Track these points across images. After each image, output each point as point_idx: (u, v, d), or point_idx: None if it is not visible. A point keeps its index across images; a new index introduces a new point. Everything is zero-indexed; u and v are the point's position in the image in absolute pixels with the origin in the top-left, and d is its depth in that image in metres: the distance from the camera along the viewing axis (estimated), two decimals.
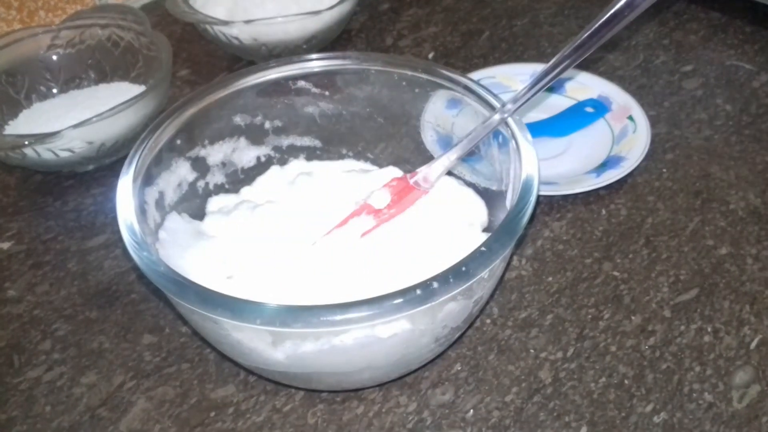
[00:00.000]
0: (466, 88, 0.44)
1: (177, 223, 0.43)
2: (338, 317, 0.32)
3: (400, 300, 0.32)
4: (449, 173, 0.45)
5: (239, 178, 0.49)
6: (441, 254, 0.38)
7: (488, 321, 0.45)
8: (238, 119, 0.48)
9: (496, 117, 0.41)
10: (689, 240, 0.49)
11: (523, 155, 0.39)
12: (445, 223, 0.43)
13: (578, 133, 0.57)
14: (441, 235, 0.42)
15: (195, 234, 0.44)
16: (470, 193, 0.45)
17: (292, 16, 0.63)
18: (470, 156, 0.45)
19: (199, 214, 0.46)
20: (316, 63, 0.47)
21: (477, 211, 0.44)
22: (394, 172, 0.47)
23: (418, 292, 0.32)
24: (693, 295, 0.46)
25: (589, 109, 0.59)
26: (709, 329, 0.44)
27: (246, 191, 0.48)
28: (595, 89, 0.60)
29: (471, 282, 0.33)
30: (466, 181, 0.47)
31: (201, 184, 0.47)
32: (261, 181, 0.49)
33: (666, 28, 0.69)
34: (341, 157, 0.51)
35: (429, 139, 0.49)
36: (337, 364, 0.36)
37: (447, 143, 0.49)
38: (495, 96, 0.43)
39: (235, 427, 0.40)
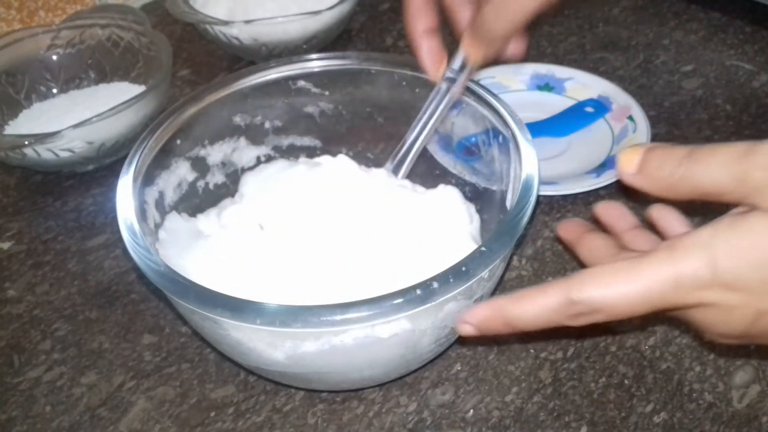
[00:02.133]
0: (466, 88, 0.44)
1: (177, 222, 0.43)
2: (338, 317, 0.32)
3: (400, 300, 0.32)
4: (454, 184, 0.45)
5: (239, 178, 0.49)
6: (439, 260, 0.38)
7: None
8: (238, 119, 0.48)
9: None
10: None
11: (523, 155, 0.39)
12: (443, 235, 0.42)
13: (578, 133, 0.57)
14: (439, 245, 0.41)
15: (195, 233, 0.44)
16: (471, 209, 0.45)
17: (292, 16, 0.63)
18: (470, 156, 0.45)
19: (198, 214, 0.46)
20: (316, 63, 0.47)
21: (477, 226, 0.44)
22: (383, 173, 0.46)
23: (418, 292, 0.32)
24: None
25: (589, 109, 0.59)
26: None
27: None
28: (595, 89, 0.60)
29: (471, 282, 0.33)
30: (466, 180, 0.47)
31: (201, 183, 0.47)
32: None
33: (666, 28, 0.69)
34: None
35: None
36: (337, 364, 0.36)
37: (447, 143, 0.49)
38: (495, 96, 0.43)
39: (235, 427, 0.40)
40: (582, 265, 0.37)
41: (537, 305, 0.31)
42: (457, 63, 0.43)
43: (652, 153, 0.30)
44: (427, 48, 0.44)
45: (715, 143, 0.29)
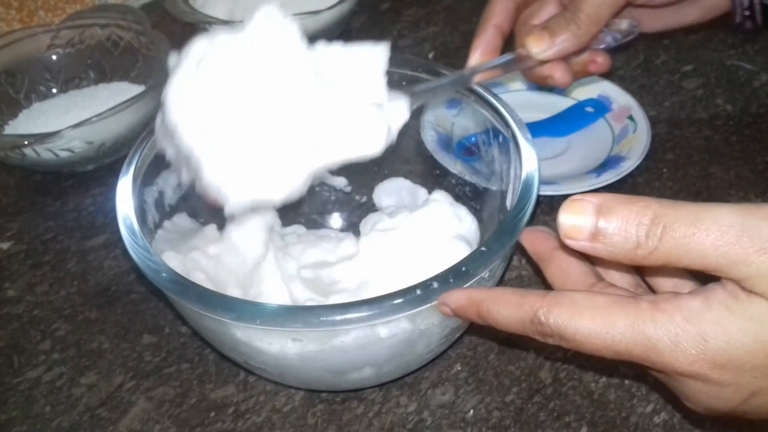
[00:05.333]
0: (467, 88, 0.44)
1: (178, 221, 0.43)
2: (338, 317, 0.32)
3: (400, 300, 0.32)
4: (454, 184, 0.45)
5: None
6: (433, 264, 0.37)
7: None
8: None
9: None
10: None
11: (524, 155, 0.39)
12: (437, 237, 0.42)
13: (578, 133, 0.57)
14: (434, 248, 0.41)
15: (194, 232, 0.44)
16: (463, 210, 0.45)
17: (292, 16, 0.63)
18: (470, 156, 0.44)
19: (197, 214, 0.46)
20: None
21: (470, 228, 0.44)
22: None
23: (418, 292, 0.32)
24: None
25: (590, 109, 0.59)
26: None
27: None
28: (596, 89, 0.60)
29: (471, 282, 0.33)
30: (466, 180, 0.47)
31: None
32: None
33: None
34: None
35: (429, 138, 0.49)
36: (336, 364, 0.36)
37: (447, 143, 0.49)
38: (495, 96, 0.43)
39: (235, 427, 0.40)
40: (546, 283, 0.34)
41: (508, 311, 0.29)
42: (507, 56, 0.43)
43: (609, 216, 0.26)
44: (487, 37, 0.44)
45: (678, 200, 0.26)
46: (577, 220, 0.27)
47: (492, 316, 0.30)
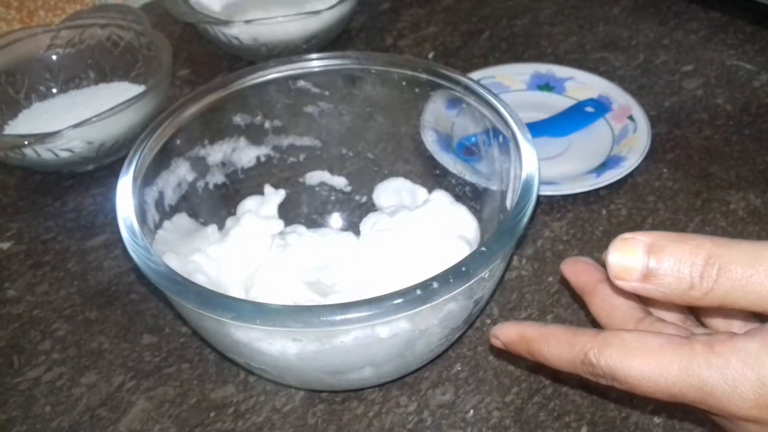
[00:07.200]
0: (466, 87, 0.44)
1: (178, 221, 0.44)
2: (338, 317, 0.31)
3: (400, 300, 0.32)
4: (453, 184, 0.44)
5: (239, 178, 0.49)
6: (434, 264, 0.38)
7: (488, 321, 0.45)
8: (238, 119, 0.48)
9: None
10: None
11: (524, 155, 0.39)
12: (437, 237, 0.42)
13: (578, 133, 0.57)
14: (434, 248, 0.41)
15: (194, 232, 0.44)
16: (463, 209, 0.45)
17: (292, 16, 0.63)
18: (470, 156, 0.44)
19: (197, 214, 0.46)
20: (316, 63, 0.47)
21: (470, 228, 0.44)
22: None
23: (418, 292, 0.32)
24: None
25: (590, 109, 0.59)
26: None
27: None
28: (596, 89, 0.60)
29: (471, 282, 0.33)
30: (466, 180, 0.47)
31: (201, 183, 0.47)
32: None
33: (666, 27, 0.69)
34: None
35: (429, 139, 0.49)
36: (336, 364, 0.36)
37: (447, 143, 0.49)
38: (495, 96, 0.43)
39: (235, 427, 0.40)
40: (589, 314, 0.34)
41: (559, 351, 0.29)
42: None
43: (660, 255, 0.25)
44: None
45: (735, 238, 0.25)
46: (627, 260, 0.26)
47: (543, 355, 0.30)
